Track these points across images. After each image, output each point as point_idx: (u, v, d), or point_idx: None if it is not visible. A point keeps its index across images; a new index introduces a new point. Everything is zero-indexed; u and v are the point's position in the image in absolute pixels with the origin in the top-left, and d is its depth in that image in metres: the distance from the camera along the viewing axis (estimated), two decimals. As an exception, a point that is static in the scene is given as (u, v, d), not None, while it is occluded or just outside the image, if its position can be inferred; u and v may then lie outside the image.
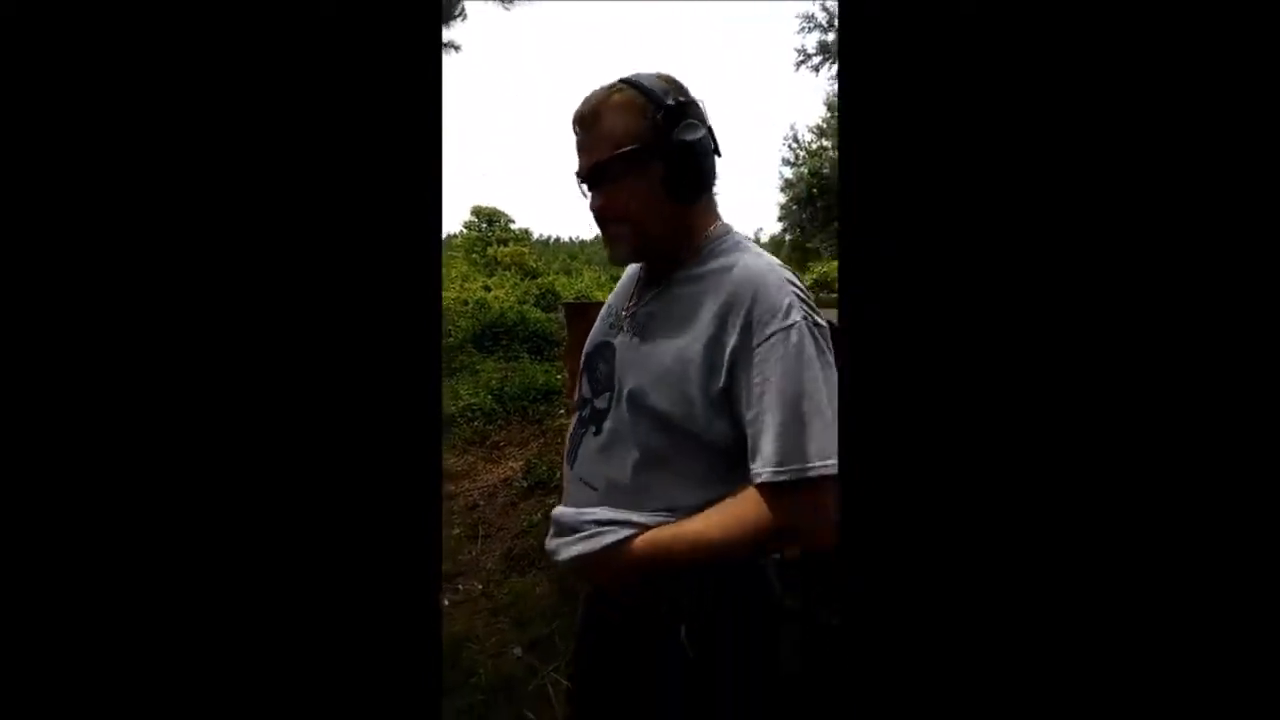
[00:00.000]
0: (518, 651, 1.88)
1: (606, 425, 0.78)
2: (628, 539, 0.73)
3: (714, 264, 0.76)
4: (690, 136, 0.73)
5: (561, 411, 4.19)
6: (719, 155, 0.80)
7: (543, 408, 4.37)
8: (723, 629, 0.75)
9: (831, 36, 18.44)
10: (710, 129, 0.77)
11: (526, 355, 6.66)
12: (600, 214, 0.78)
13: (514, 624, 2.03)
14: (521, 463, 3.47)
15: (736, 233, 0.82)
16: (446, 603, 2.21)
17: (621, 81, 0.76)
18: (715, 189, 0.82)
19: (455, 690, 1.72)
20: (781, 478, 0.65)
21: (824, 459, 0.65)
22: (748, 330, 0.68)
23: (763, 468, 0.66)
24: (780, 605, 0.80)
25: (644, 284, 0.84)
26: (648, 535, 0.72)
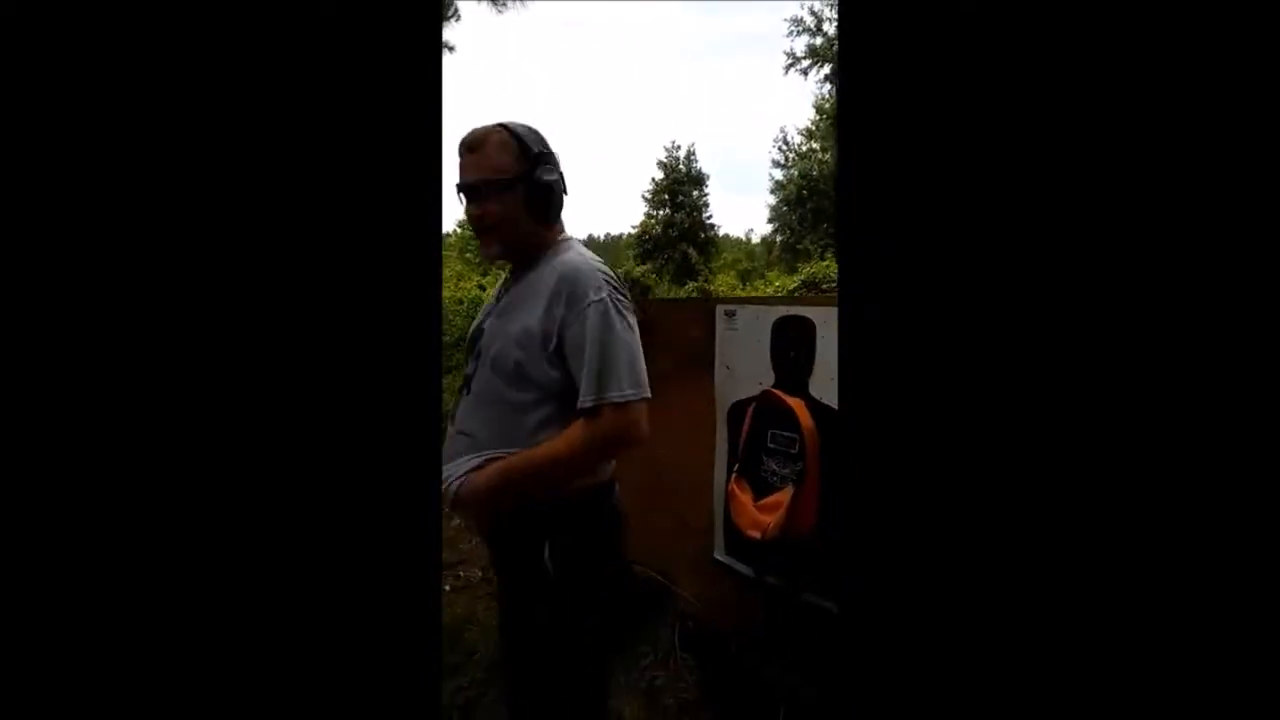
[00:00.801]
0: (518, 632, 1.97)
1: (474, 385, 1.02)
2: (480, 465, 0.94)
3: (553, 262, 1.01)
4: (547, 177, 1.01)
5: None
6: (565, 193, 1.07)
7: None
8: (578, 549, 0.99)
9: (820, 40, 18.59)
10: (561, 174, 1.05)
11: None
12: (476, 222, 1.03)
13: (514, 608, 2.12)
14: (518, 458, 3.56)
15: (574, 241, 1.09)
16: (448, 588, 2.30)
17: (501, 126, 1.01)
18: (561, 211, 1.09)
19: (458, 669, 1.81)
20: (589, 403, 0.91)
21: (621, 389, 0.92)
22: (570, 305, 0.93)
23: (582, 397, 0.92)
24: (619, 528, 1.08)
25: (508, 279, 1.11)
26: (497, 464, 0.93)
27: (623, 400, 0.92)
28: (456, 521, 2.86)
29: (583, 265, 0.97)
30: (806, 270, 10.28)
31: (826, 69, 18.92)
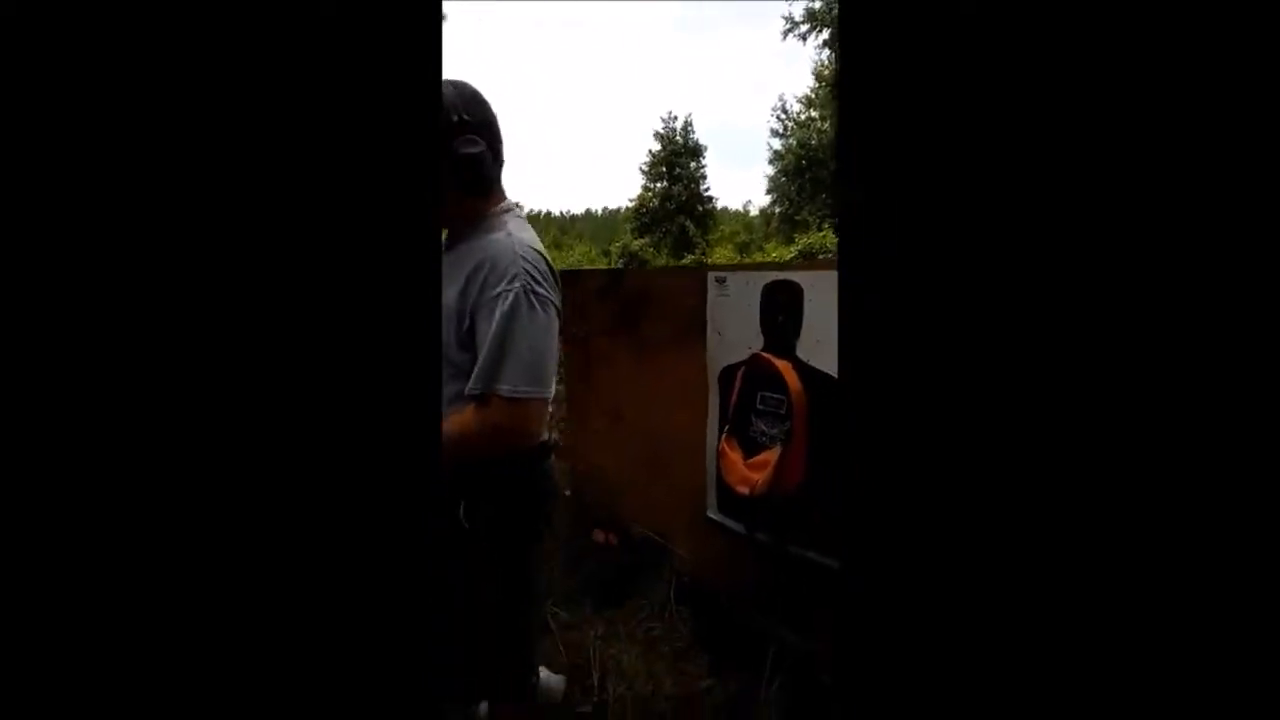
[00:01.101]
0: (521, 589, 2.06)
1: None
2: None
3: (483, 240, 0.99)
4: (467, 150, 0.96)
5: (557, 379, 4.35)
6: (500, 161, 1.04)
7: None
8: (500, 518, 1.03)
9: (819, 3, 18.16)
10: (489, 143, 1.00)
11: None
12: None
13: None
14: (518, 428, 3.64)
15: (513, 214, 1.06)
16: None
17: None
18: (497, 179, 1.05)
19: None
20: (475, 391, 0.92)
21: (514, 385, 0.92)
22: (483, 289, 0.93)
23: (471, 383, 0.93)
24: (543, 490, 1.12)
25: (445, 249, 1.07)
26: None
27: (512, 395, 0.91)
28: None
29: (505, 250, 0.95)
30: (804, 241, 10.25)
31: (825, 34, 18.54)
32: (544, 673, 1.51)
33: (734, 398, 1.75)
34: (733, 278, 1.79)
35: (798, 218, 18.21)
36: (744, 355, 1.73)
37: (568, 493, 2.66)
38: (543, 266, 0.99)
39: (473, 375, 0.92)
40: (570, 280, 2.48)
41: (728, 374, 1.81)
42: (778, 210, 20.95)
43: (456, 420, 0.93)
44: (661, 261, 12.10)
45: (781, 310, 1.66)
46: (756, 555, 1.81)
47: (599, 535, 2.30)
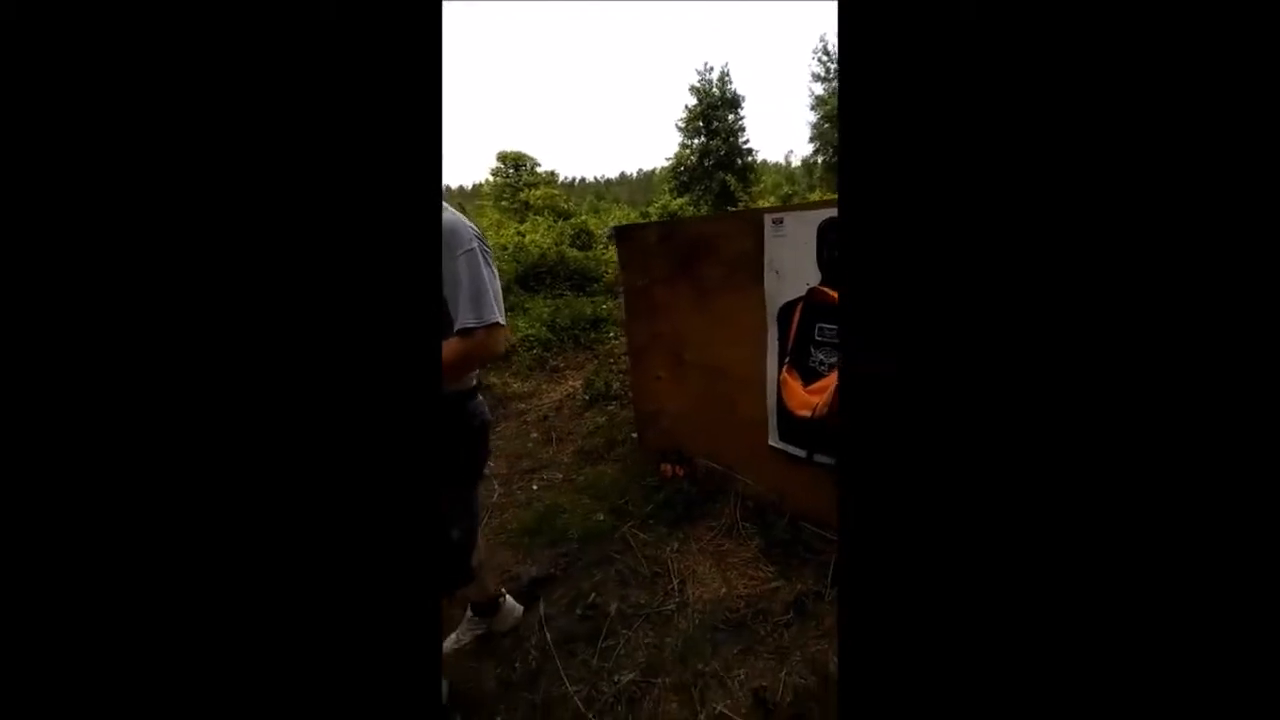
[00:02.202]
0: (600, 515, 2.29)
1: None
2: None
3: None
4: None
5: (611, 335, 4.54)
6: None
7: (592, 335, 4.73)
8: (450, 437, 1.26)
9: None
10: None
11: (569, 291, 6.97)
12: None
13: (593, 498, 2.44)
14: (580, 381, 3.86)
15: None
16: (535, 487, 2.64)
17: None
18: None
19: (556, 542, 2.14)
20: (470, 323, 1.15)
21: (495, 314, 1.16)
22: (448, 251, 1.15)
23: (462, 318, 1.15)
24: (480, 432, 1.34)
25: None
26: None
27: (495, 322, 1.16)
28: (535, 435, 3.20)
29: (457, 221, 1.18)
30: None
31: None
32: (508, 600, 1.74)
33: (793, 331, 1.88)
34: (789, 218, 1.89)
35: (842, 166, 17.59)
36: (801, 291, 1.85)
37: (634, 435, 2.86)
38: (483, 237, 1.25)
39: (460, 314, 1.15)
40: (627, 234, 2.62)
41: (786, 310, 1.93)
42: (820, 160, 20.28)
43: (448, 350, 1.16)
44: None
45: (837, 246, 1.75)
46: (813, 476, 1.96)
47: (666, 469, 2.49)
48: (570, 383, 3.91)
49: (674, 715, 1.39)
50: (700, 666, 1.51)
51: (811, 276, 1.83)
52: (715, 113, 18.92)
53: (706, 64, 24.57)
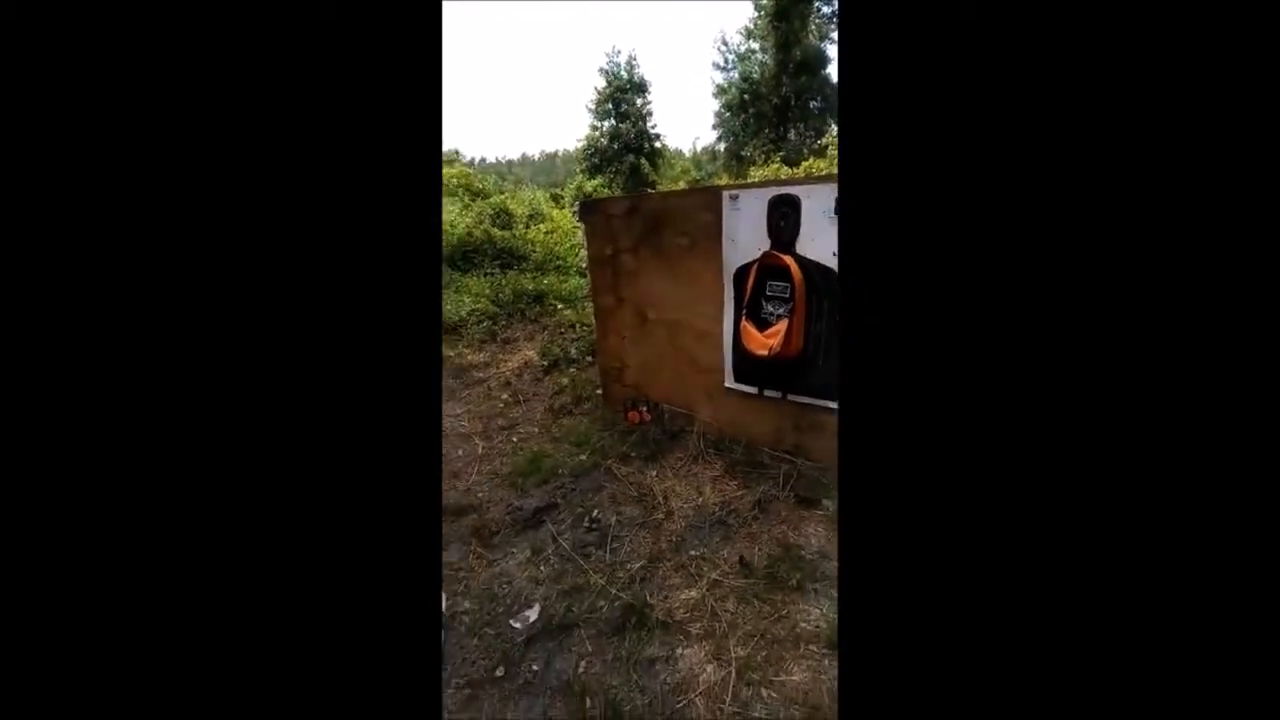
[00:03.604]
0: (582, 457, 2.62)
1: None
2: None
3: None
4: None
5: (559, 307, 4.80)
6: None
7: (537, 308, 4.96)
8: None
9: (758, -71, 17.86)
10: None
11: (498, 270, 7.07)
12: None
13: (572, 444, 2.76)
14: (534, 350, 4.12)
15: None
16: (515, 440, 2.92)
17: None
18: None
19: (548, 479, 2.46)
20: None
21: None
22: None
23: None
24: None
25: None
26: None
27: None
28: (504, 396, 3.45)
29: None
30: (760, 174, 10.72)
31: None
32: None
33: (748, 288, 2.30)
34: (744, 195, 2.30)
35: (743, 153, 18.56)
36: (755, 255, 2.27)
37: (599, 391, 3.20)
38: None
39: None
40: (594, 208, 2.93)
41: (741, 272, 2.35)
42: (723, 146, 21.18)
43: None
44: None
45: (783, 217, 2.19)
46: (764, 408, 2.42)
47: (634, 416, 2.86)
48: (525, 352, 4.16)
49: (678, 584, 1.78)
50: (691, 553, 1.91)
51: (763, 243, 2.25)
52: (624, 96, 19.22)
53: (615, 47, 24.75)
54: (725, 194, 2.34)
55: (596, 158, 18.89)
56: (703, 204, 2.42)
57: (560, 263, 7.13)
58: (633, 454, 2.58)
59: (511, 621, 1.71)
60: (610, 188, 15.52)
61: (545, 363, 3.85)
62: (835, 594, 1.64)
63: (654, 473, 2.43)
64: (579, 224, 9.49)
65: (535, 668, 1.54)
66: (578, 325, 4.31)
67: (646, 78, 19.61)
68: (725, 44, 20.81)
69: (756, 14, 19.73)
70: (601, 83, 19.43)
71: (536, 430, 3.01)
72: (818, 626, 1.54)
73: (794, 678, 1.41)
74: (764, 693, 1.38)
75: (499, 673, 1.54)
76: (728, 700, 1.37)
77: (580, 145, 19.78)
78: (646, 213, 2.66)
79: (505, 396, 3.45)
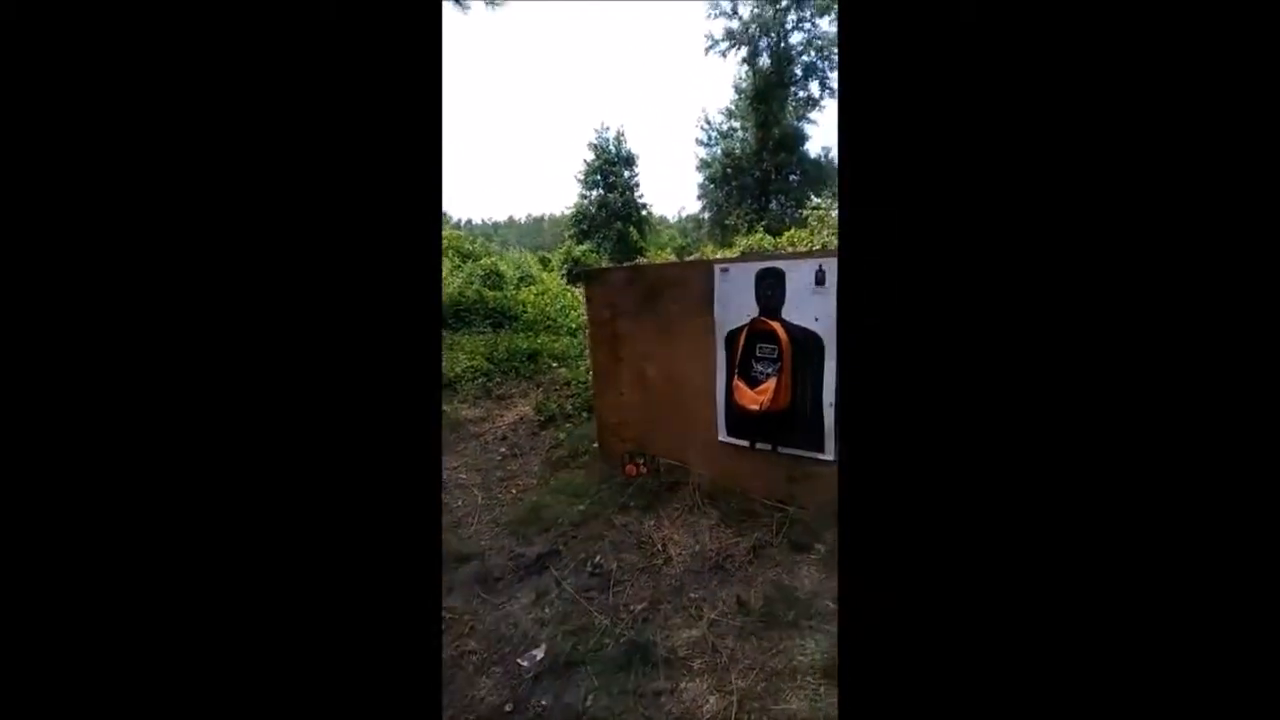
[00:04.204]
0: (581, 507, 2.74)
1: None
2: None
3: None
4: None
5: (554, 365, 4.99)
6: None
7: (531, 365, 5.14)
8: None
9: (735, 24, 19.56)
10: None
11: (490, 329, 7.29)
12: None
13: (570, 495, 2.88)
14: (530, 406, 4.27)
15: None
16: (514, 491, 3.02)
17: None
18: None
19: (549, 528, 2.56)
20: None
21: None
22: None
23: None
24: None
25: None
26: None
27: None
28: (503, 449, 3.57)
29: None
30: (744, 243, 11.29)
31: (743, 51, 20.01)
32: None
33: (739, 350, 2.52)
34: (733, 268, 2.56)
35: (727, 222, 19.48)
36: (745, 320, 2.50)
37: (595, 445, 3.35)
38: None
39: None
40: (595, 276, 3.18)
41: (732, 335, 2.58)
42: (707, 215, 22.21)
43: None
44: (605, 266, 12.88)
45: (770, 288, 2.44)
46: (753, 462, 2.58)
47: (631, 469, 3.00)
48: (520, 408, 4.30)
49: (680, 624, 1.89)
50: (691, 595, 2.03)
51: (751, 310, 2.49)
52: (612, 169, 20.23)
53: (603, 123, 26.30)
54: (716, 266, 2.60)
55: (585, 224, 19.64)
56: (697, 274, 2.68)
57: (551, 323, 7.37)
58: (631, 504, 2.71)
59: (519, 660, 1.80)
60: (598, 253, 16.10)
61: (541, 418, 3.99)
62: (830, 630, 1.76)
63: (652, 522, 2.55)
64: (569, 287, 9.84)
65: (544, 702, 1.63)
66: (573, 383, 4.49)
67: (633, 151, 20.73)
68: (708, 122, 22.23)
69: (737, 96, 21.23)
70: (590, 156, 20.48)
71: (535, 482, 3.13)
72: (813, 659, 1.66)
73: (792, 706, 1.52)
74: (763, 721, 1.49)
75: (508, 708, 1.62)
76: (730, 729, 1.47)
77: (569, 212, 20.58)
78: (643, 281, 2.91)
79: (503, 450, 3.57)
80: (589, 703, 1.60)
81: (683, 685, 1.63)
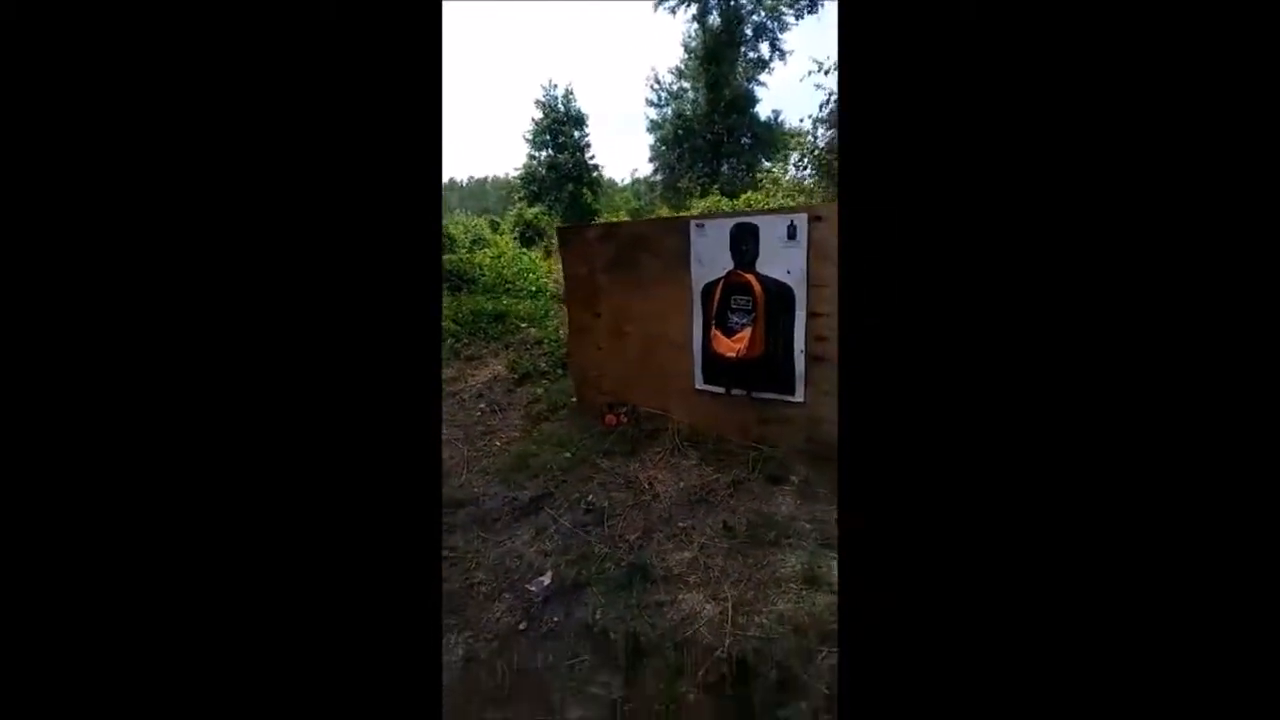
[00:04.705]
0: (567, 454, 2.88)
1: None
2: None
3: None
4: None
5: (523, 325, 5.04)
6: None
7: (498, 326, 5.17)
8: None
9: (689, -22, 19.13)
10: None
11: (449, 291, 7.19)
12: None
13: (555, 445, 3.01)
14: (502, 365, 4.33)
15: None
16: (499, 444, 3.13)
17: None
18: None
19: (539, 474, 2.70)
20: None
21: None
22: None
23: None
24: None
25: None
26: None
27: None
28: (482, 405, 3.64)
29: None
30: (700, 206, 11.39)
31: (693, 8, 19.70)
32: None
33: (715, 301, 2.68)
34: (708, 224, 2.69)
35: (680, 185, 19.47)
36: (720, 274, 2.65)
37: (573, 399, 3.47)
38: None
39: None
40: (571, 233, 3.24)
41: (709, 288, 2.73)
42: (660, 178, 22.09)
43: None
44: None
45: (744, 242, 2.59)
46: (731, 404, 2.78)
47: (611, 419, 3.15)
48: (492, 367, 4.36)
49: (672, 549, 2.08)
50: (680, 524, 2.22)
51: (726, 264, 2.64)
52: (561, 128, 19.76)
53: (551, 80, 25.48)
54: (693, 223, 2.73)
55: (535, 186, 19.22)
56: (673, 231, 2.80)
57: (510, 286, 7.33)
58: (615, 450, 2.87)
59: (528, 586, 1.95)
60: (550, 215, 15.85)
61: (515, 376, 4.08)
62: (808, 546, 1.99)
63: (636, 464, 2.72)
64: (525, 250, 9.73)
65: (556, 619, 1.79)
66: (544, 341, 4.57)
67: (583, 110, 20.28)
68: (658, 82, 21.89)
69: (686, 55, 20.95)
70: (538, 114, 19.90)
71: (518, 435, 3.24)
72: (794, 570, 1.88)
73: (779, 607, 1.74)
74: (756, 619, 1.70)
75: (522, 626, 1.78)
76: (727, 627, 1.67)
77: (517, 174, 20.06)
78: (622, 239, 3.01)
79: (482, 406, 3.65)
80: (598, 616, 1.78)
81: (681, 597, 1.83)
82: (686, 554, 2.03)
